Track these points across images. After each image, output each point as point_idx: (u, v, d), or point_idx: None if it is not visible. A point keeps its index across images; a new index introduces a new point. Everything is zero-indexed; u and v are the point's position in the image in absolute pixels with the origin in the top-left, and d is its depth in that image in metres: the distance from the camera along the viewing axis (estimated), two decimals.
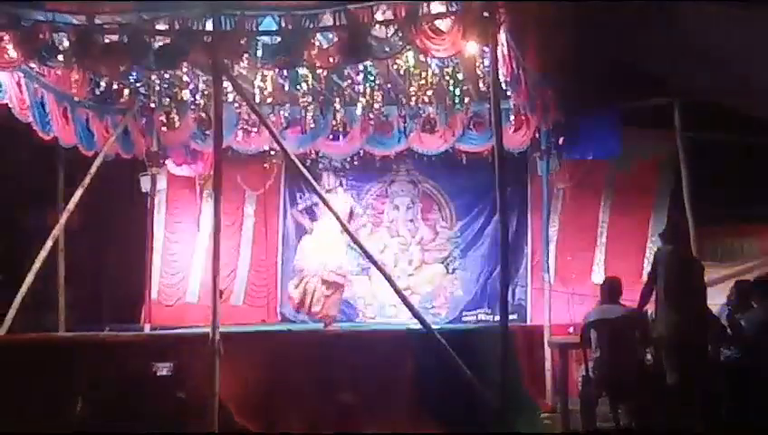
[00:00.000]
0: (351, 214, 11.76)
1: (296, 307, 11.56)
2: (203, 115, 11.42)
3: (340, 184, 12.09)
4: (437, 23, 8.68)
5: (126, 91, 10.87)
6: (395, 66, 9.96)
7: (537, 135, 10.87)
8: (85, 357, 9.16)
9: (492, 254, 12.70)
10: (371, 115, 11.49)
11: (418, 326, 9.10)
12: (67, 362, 9.10)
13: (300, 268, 11.55)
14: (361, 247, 10.12)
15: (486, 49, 8.88)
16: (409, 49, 9.05)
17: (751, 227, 11.44)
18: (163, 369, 8.78)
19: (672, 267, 8.36)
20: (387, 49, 8.92)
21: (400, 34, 8.71)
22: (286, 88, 10.81)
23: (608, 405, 8.56)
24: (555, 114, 10.10)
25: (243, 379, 8.83)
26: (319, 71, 9.94)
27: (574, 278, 11.91)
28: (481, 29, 8.49)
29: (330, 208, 9.94)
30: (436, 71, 10.21)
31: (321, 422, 8.75)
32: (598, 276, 11.81)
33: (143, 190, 12.52)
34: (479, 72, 9.85)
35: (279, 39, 8.93)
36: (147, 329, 11.97)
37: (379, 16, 8.75)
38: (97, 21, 8.86)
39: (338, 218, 9.92)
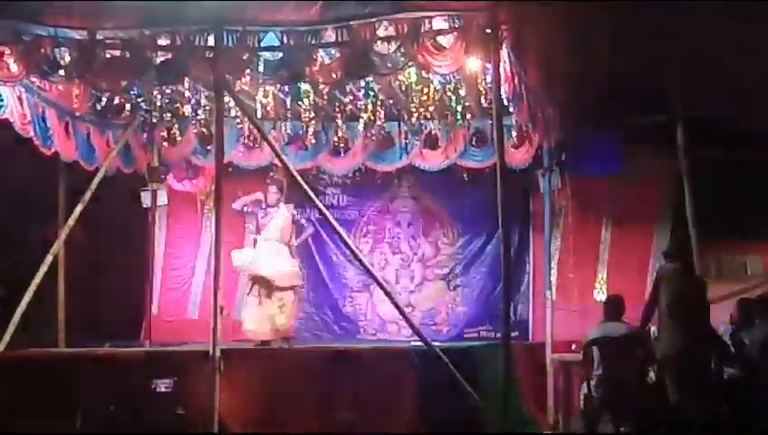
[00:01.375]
0: (298, 227, 11.53)
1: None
2: (204, 130, 11.42)
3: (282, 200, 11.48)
4: (439, 39, 8.68)
5: (127, 106, 10.91)
6: (397, 82, 9.97)
7: (539, 152, 10.89)
8: (85, 373, 9.14)
9: (494, 271, 12.62)
10: (373, 131, 11.48)
11: (420, 343, 9.07)
12: (67, 378, 9.09)
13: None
14: (362, 263, 10.10)
15: (488, 65, 8.87)
16: (411, 65, 9.06)
17: (754, 244, 11.44)
18: (162, 385, 8.75)
19: (675, 285, 8.34)
20: (389, 65, 8.94)
21: (402, 50, 8.72)
22: (288, 104, 10.84)
23: (610, 423, 8.52)
24: (557, 131, 10.09)
25: (243, 395, 8.80)
26: (321, 86, 9.94)
27: (576, 295, 11.84)
28: (483, 45, 8.50)
29: (331, 224, 9.89)
30: (438, 87, 10.23)
31: None
32: (600, 294, 11.76)
33: (144, 205, 12.49)
34: (481, 89, 9.87)
35: (281, 55, 8.95)
36: (147, 345, 11.92)
37: (381, 32, 8.76)
38: (98, 36, 8.86)
39: (339, 234, 9.87)
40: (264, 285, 10.84)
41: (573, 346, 9.93)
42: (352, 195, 13.38)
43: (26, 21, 8.81)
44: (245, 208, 11.23)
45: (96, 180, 10.70)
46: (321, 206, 9.91)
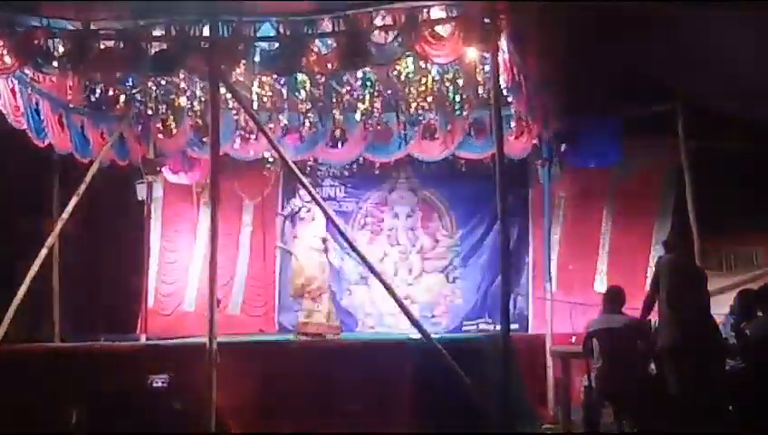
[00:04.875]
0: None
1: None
2: (200, 122, 11.33)
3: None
4: (437, 28, 8.63)
5: (122, 98, 10.81)
6: (394, 72, 9.89)
7: (538, 142, 10.83)
8: (80, 368, 9.11)
9: (492, 262, 12.64)
10: (370, 122, 11.40)
11: (418, 336, 9.02)
12: (62, 373, 9.06)
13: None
14: (361, 256, 10.04)
15: (487, 55, 8.82)
16: (409, 55, 9.03)
17: (755, 235, 11.40)
18: (158, 380, 8.72)
19: (675, 276, 8.28)
20: (386, 55, 8.88)
21: (400, 40, 8.67)
22: (284, 94, 10.78)
23: (611, 415, 8.49)
24: (556, 121, 10.03)
25: (240, 389, 8.78)
26: (317, 77, 9.88)
27: (576, 287, 11.84)
28: (481, 35, 8.45)
29: (328, 216, 9.84)
30: (437, 77, 10.19)
31: (320, 432, 8.68)
32: (600, 285, 11.76)
33: (139, 198, 12.47)
34: (479, 79, 9.81)
35: (277, 45, 8.89)
36: (143, 339, 11.89)
37: (378, 22, 8.73)
38: (93, 26, 8.81)
39: (336, 226, 9.83)
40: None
41: (573, 338, 9.90)
42: (350, 186, 13.35)
43: (19, 12, 8.74)
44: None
45: (90, 173, 10.63)
46: (318, 198, 9.84)
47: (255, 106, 10.40)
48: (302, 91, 10.51)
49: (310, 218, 11.46)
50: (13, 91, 9.68)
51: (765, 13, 7.83)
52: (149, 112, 11.17)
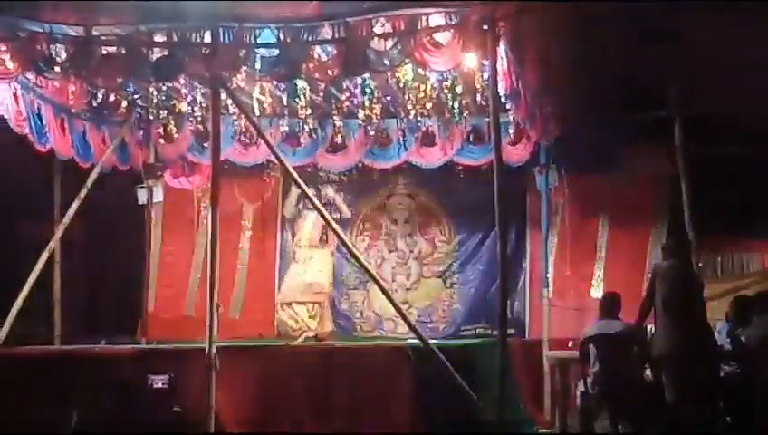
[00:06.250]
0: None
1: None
2: (200, 127, 11.37)
3: None
4: (436, 36, 8.69)
5: (123, 103, 10.88)
6: (393, 79, 9.94)
7: (536, 149, 10.88)
8: (81, 370, 9.12)
9: (490, 268, 12.63)
10: (370, 128, 11.45)
11: (416, 341, 9.05)
12: (63, 376, 9.07)
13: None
14: (359, 261, 10.09)
15: (485, 62, 8.87)
16: (408, 62, 9.05)
17: (751, 241, 11.43)
18: (159, 382, 8.75)
19: (671, 282, 8.30)
20: (385, 62, 8.92)
21: (399, 47, 8.72)
22: (285, 101, 10.82)
23: (607, 420, 8.52)
24: (555, 128, 10.08)
25: (239, 393, 8.80)
26: (317, 83, 9.93)
27: (573, 293, 11.87)
28: (480, 42, 8.50)
29: (327, 221, 9.87)
30: (435, 84, 10.20)
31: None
32: (597, 291, 11.77)
33: (140, 203, 12.49)
34: (478, 86, 9.83)
35: (277, 52, 8.93)
36: (143, 342, 11.90)
37: (377, 29, 8.77)
38: (95, 32, 8.85)
39: (334, 231, 9.86)
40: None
41: (570, 343, 9.92)
42: (349, 192, 13.38)
43: (22, 17, 8.78)
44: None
45: (92, 177, 10.68)
46: (317, 203, 9.89)
47: (256, 112, 10.47)
48: (302, 98, 10.55)
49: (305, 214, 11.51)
50: (15, 96, 9.72)
51: (763, 17, 7.89)
52: (151, 118, 11.24)
